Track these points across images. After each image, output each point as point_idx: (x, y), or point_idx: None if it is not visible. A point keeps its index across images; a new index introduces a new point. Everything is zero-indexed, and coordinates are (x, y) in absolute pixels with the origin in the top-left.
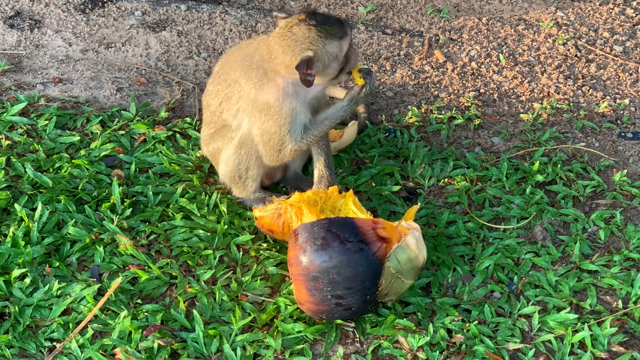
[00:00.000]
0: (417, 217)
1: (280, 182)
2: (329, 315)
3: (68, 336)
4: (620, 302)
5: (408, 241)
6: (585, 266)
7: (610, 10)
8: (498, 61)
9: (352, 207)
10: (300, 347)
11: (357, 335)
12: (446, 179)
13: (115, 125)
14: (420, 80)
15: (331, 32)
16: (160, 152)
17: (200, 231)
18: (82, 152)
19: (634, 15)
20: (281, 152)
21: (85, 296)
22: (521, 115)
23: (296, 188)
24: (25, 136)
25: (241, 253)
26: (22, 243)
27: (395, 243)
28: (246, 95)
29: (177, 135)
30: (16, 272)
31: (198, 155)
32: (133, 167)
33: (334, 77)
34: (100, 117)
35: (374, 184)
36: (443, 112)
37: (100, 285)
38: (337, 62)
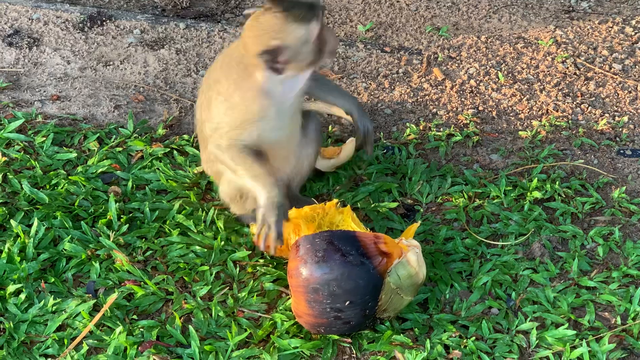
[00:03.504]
0: (415, 234)
1: None
2: (327, 328)
3: (63, 352)
4: (619, 319)
5: (409, 257)
6: (584, 282)
7: (610, 29)
8: (497, 79)
9: (351, 223)
10: None
11: (354, 352)
12: (444, 196)
13: (113, 142)
14: (418, 97)
15: (297, 16)
16: (158, 169)
17: (197, 247)
18: (79, 168)
19: (633, 33)
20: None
21: (80, 312)
22: (520, 132)
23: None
24: (22, 153)
25: (238, 269)
26: (18, 259)
27: (396, 259)
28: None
29: (175, 152)
30: (11, 288)
31: (195, 172)
32: (130, 183)
33: (313, 61)
34: (98, 134)
35: (371, 201)
36: (441, 129)
37: (95, 301)
38: (308, 45)
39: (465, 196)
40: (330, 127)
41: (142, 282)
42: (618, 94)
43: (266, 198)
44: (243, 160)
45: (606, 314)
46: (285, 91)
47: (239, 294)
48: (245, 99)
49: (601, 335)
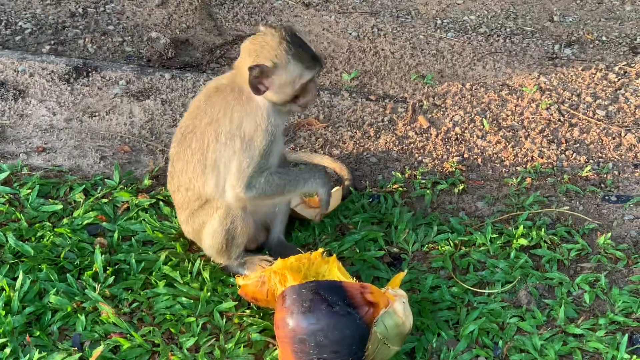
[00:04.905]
0: (402, 283)
1: (264, 248)
2: None
3: None
4: None
5: (396, 307)
6: (571, 330)
7: (593, 75)
8: (482, 126)
9: (337, 273)
10: None
11: None
12: (430, 244)
13: (99, 193)
14: (404, 146)
15: (300, 56)
16: (143, 219)
17: (183, 298)
18: (65, 220)
19: (616, 79)
20: (253, 180)
21: None
22: (505, 179)
23: (281, 255)
24: (7, 205)
25: (224, 320)
26: (3, 313)
27: (382, 308)
28: (228, 125)
29: (160, 202)
30: None
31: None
32: (116, 235)
33: (285, 101)
34: (84, 186)
35: (357, 250)
36: (427, 177)
37: (81, 354)
38: (292, 86)
39: (452, 244)
40: None
41: (128, 335)
42: (602, 140)
43: (324, 192)
44: (285, 176)
45: None
46: (276, 110)
47: (226, 345)
48: (257, 121)
49: None
